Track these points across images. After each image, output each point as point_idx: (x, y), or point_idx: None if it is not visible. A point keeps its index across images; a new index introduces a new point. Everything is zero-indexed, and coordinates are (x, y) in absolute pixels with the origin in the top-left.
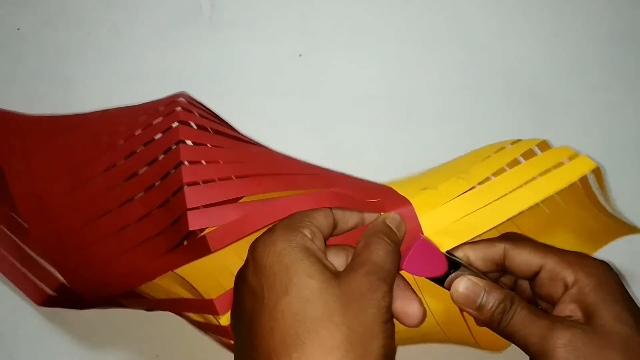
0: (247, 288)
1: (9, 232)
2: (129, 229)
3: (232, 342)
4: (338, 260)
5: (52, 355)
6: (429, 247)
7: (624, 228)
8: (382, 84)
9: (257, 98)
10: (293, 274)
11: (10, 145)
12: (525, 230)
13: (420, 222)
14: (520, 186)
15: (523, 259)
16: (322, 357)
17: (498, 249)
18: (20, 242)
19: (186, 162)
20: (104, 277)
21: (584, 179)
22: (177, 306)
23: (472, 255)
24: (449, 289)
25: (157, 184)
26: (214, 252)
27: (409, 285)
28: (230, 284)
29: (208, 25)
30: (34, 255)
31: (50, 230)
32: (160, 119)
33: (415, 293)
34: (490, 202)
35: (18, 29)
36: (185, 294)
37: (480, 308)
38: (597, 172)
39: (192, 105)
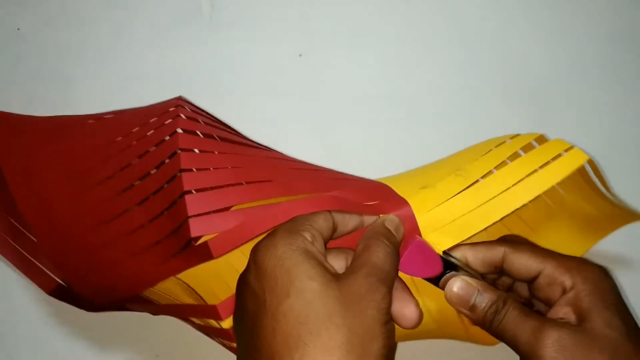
0: (249, 291)
1: (8, 235)
2: (134, 234)
3: (234, 345)
4: (338, 263)
5: (52, 355)
6: (425, 248)
7: (627, 215)
8: (382, 84)
9: (257, 98)
10: (294, 277)
11: (11, 145)
12: (528, 221)
13: (418, 223)
14: (516, 183)
15: (522, 263)
16: (324, 358)
17: (497, 252)
18: (17, 246)
19: (187, 169)
20: (109, 281)
21: (582, 170)
22: (181, 311)
23: (471, 257)
24: (443, 289)
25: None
26: (216, 258)
27: (407, 287)
28: (236, 282)
29: (208, 25)
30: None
31: (53, 231)
32: (158, 125)
33: (412, 295)
34: (487, 200)
35: (18, 29)
36: (188, 300)
37: (473, 308)
38: (592, 163)
39: (194, 112)
